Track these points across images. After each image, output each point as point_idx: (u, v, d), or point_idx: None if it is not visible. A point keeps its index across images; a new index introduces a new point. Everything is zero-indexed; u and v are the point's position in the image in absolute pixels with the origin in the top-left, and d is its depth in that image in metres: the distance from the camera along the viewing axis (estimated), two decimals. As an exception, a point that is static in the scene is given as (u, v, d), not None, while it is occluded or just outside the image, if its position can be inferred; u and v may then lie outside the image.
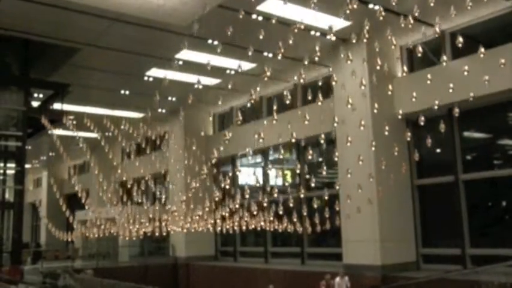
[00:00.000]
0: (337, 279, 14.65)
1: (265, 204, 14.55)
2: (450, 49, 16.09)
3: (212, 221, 15.26)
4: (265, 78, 7.80)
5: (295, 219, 13.84)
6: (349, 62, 9.29)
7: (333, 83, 13.98)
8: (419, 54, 8.47)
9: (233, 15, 8.41)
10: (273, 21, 8.44)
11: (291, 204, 12.76)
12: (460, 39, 8.15)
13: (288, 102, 9.06)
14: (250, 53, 8.03)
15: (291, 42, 8.31)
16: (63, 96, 18.84)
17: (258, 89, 8.02)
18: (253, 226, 14.92)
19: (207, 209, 14.41)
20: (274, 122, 9.53)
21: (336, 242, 18.17)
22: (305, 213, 13.65)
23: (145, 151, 15.73)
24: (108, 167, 19.15)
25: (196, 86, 11.48)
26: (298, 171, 20.65)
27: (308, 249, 20.44)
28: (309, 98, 9.85)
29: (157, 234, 15.27)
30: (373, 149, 11.65)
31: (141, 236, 15.74)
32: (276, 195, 13.35)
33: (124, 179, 17.11)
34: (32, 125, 18.71)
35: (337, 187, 12.88)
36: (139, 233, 15.60)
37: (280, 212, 13.76)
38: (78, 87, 19.37)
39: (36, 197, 43.59)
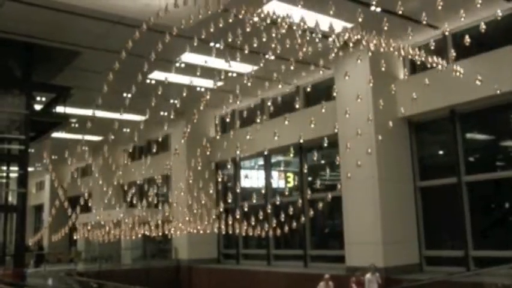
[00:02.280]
0: (368, 275, 14.31)
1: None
2: (452, 51, 16.05)
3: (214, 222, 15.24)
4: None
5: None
6: (351, 64, 9.27)
7: (335, 85, 14.02)
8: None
9: (235, 17, 8.43)
10: (276, 21, 8.44)
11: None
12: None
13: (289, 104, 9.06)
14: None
15: (294, 44, 8.32)
16: (66, 99, 18.88)
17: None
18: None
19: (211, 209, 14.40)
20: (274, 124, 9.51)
21: (338, 244, 18.16)
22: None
23: (149, 153, 15.73)
24: (111, 170, 19.15)
25: (198, 89, 11.50)
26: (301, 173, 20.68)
27: (311, 251, 20.42)
28: (312, 100, 9.85)
29: (160, 233, 15.27)
30: (374, 150, 11.62)
31: (145, 233, 15.70)
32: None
33: (125, 181, 17.14)
34: (34, 129, 18.74)
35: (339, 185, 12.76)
36: (142, 232, 15.59)
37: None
38: (80, 90, 19.40)
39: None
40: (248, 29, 9.05)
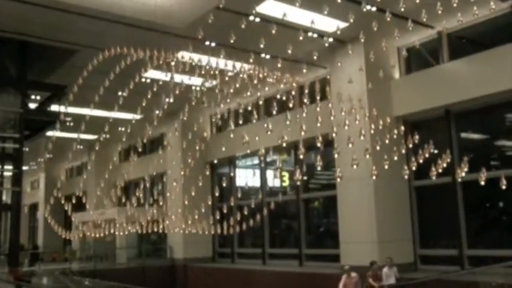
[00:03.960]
0: (385, 269, 14.05)
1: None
2: (447, 50, 16.12)
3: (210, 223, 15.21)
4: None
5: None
6: (347, 63, 9.30)
7: (331, 84, 14.01)
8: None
9: (231, 16, 8.43)
10: (272, 21, 8.45)
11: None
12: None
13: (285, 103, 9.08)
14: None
15: (288, 43, 8.33)
16: (61, 97, 18.83)
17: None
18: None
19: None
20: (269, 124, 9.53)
21: (333, 243, 18.18)
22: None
23: (143, 152, 15.69)
24: (106, 168, 19.14)
25: (194, 88, 11.50)
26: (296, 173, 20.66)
27: (306, 250, 20.44)
28: (306, 99, 9.87)
29: (155, 230, 15.23)
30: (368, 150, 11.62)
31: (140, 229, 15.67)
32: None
33: (122, 180, 17.12)
34: (29, 127, 18.68)
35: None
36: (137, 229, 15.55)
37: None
38: (76, 89, 19.35)
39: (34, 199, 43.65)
40: (244, 28, 9.05)
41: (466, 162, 8.92)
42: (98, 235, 15.60)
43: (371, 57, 10.96)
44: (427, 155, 9.23)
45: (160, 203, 14.29)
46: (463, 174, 8.87)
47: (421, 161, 9.16)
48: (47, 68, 18.41)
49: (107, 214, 19.43)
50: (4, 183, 19.74)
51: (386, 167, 9.22)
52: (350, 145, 9.21)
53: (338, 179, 8.17)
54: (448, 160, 9.19)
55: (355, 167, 8.49)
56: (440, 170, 8.93)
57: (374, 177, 8.98)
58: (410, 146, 10.00)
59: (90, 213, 19.21)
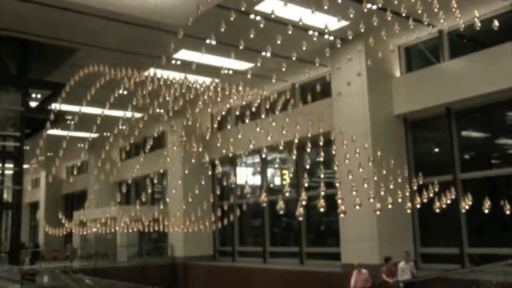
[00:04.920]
0: (401, 263, 13.93)
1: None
2: (448, 49, 16.12)
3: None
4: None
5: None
6: (347, 61, 9.29)
7: (332, 82, 13.98)
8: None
9: (231, 15, 8.42)
10: (272, 19, 8.44)
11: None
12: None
13: (285, 102, 9.08)
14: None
15: (288, 42, 8.32)
16: (61, 96, 18.83)
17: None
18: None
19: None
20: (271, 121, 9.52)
21: (334, 242, 18.19)
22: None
23: (144, 151, 15.68)
24: (106, 167, 19.16)
25: (194, 86, 11.49)
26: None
27: (307, 248, 20.45)
28: (307, 98, 9.87)
29: (156, 229, 15.24)
30: (368, 146, 11.66)
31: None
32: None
33: (122, 178, 17.14)
34: (30, 125, 18.67)
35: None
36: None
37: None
38: (76, 87, 19.34)
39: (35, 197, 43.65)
40: (244, 26, 9.05)
41: (470, 197, 8.98)
42: (85, 233, 15.57)
43: (372, 55, 10.97)
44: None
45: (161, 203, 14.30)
46: (467, 206, 8.92)
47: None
48: (48, 66, 18.40)
49: (98, 212, 19.45)
50: (5, 181, 19.77)
51: (390, 206, 9.21)
52: (354, 192, 9.23)
53: (342, 215, 8.09)
54: (453, 197, 9.27)
55: (357, 207, 8.48)
56: (444, 205, 9.00)
57: (378, 212, 8.95)
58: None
59: (80, 212, 19.28)
